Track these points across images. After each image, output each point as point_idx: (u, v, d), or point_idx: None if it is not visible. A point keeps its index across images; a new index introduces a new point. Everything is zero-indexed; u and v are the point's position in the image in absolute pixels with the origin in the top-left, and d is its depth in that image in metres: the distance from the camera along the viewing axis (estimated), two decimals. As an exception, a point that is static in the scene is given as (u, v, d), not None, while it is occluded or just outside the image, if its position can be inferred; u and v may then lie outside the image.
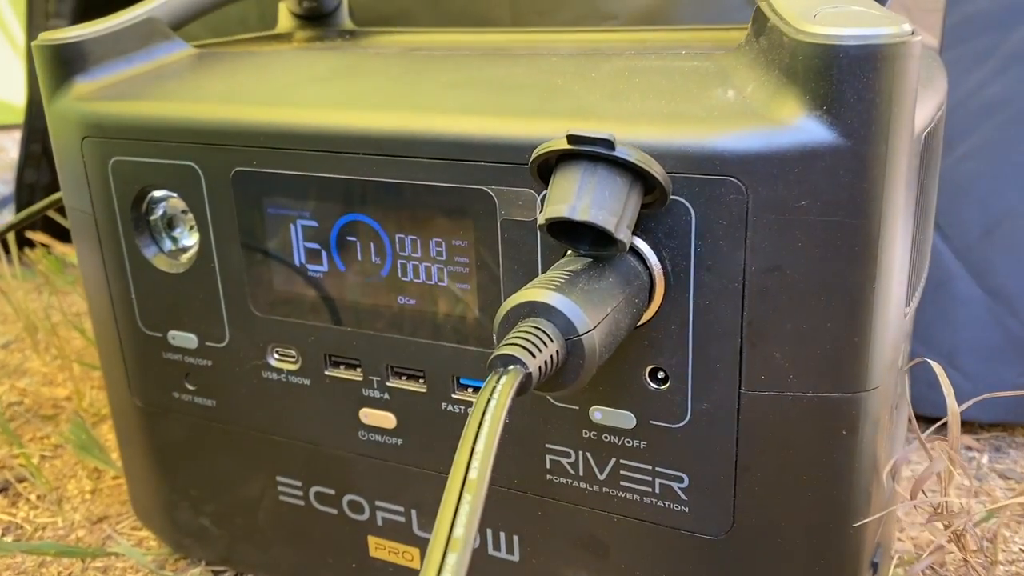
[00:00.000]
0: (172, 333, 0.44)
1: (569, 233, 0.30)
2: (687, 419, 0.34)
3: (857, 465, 0.34)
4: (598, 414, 0.35)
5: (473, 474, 0.22)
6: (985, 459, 0.61)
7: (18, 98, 1.13)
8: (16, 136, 1.18)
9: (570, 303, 0.27)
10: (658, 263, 0.32)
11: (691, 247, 0.32)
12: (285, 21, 0.59)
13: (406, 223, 0.37)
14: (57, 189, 0.55)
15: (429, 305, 0.37)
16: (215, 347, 0.43)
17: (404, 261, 0.37)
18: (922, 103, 0.34)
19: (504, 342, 0.26)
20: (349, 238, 0.38)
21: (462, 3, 0.66)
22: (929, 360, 0.37)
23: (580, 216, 0.28)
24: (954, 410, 0.36)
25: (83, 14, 0.92)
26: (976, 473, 0.59)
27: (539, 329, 0.27)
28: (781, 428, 0.33)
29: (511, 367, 0.25)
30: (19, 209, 1.05)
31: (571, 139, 0.28)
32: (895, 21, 0.29)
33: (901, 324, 0.34)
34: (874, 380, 0.32)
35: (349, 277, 0.39)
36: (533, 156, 0.29)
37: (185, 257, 0.43)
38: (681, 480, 0.35)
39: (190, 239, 0.43)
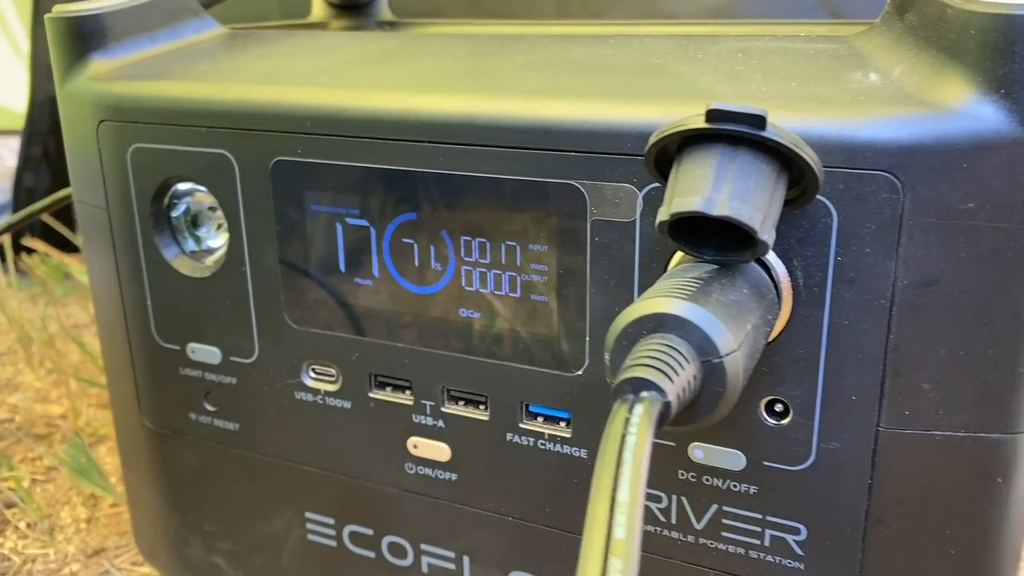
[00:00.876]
0: (192, 346, 0.39)
1: (692, 234, 0.25)
2: (810, 461, 0.29)
3: (1009, 519, 0.28)
4: (699, 452, 0.30)
5: (620, 532, 0.17)
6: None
7: (19, 104, 1.08)
8: (14, 144, 1.13)
9: (710, 316, 0.22)
10: (786, 274, 0.27)
11: (830, 255, 0.27)
12: (319, 10, 0.55)
13: (474, 223, 0.31)
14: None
15: (497, 319, 0.32)
16: (241, 363, 0.38)
17: (469, 268, 0.32)
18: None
19: (632, 362, 0.21)
20: (405, 240, 0.33)
21: (505, 1, 0.61)
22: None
23: (718, 211, 0.23)
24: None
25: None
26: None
27: (671, 347, 0.22)
28: (924, 473, 0.28)
29: (644, 394, 0.20)
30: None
31: (712, 115, 0.23)
32: (1085, -10, 0.25)
33: (1061, 353, 0.29)
34: (1038, 419, 0.27)
35: (403, 285, 0.33)
36: (654, 139, 0.24)
37: (211, 260, 0.38)
38: (797, 532, 0.30)
39: (217, 239, 0.38)
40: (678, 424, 0.23)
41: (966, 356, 0.26)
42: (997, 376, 0.27)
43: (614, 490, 0.18)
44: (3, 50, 1.55)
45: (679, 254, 0.28)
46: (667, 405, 0.20)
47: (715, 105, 0.22)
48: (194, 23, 0.41)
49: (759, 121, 0.22)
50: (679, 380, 0.21)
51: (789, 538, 0.30)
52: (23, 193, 0.97)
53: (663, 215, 0.24)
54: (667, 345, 0.22)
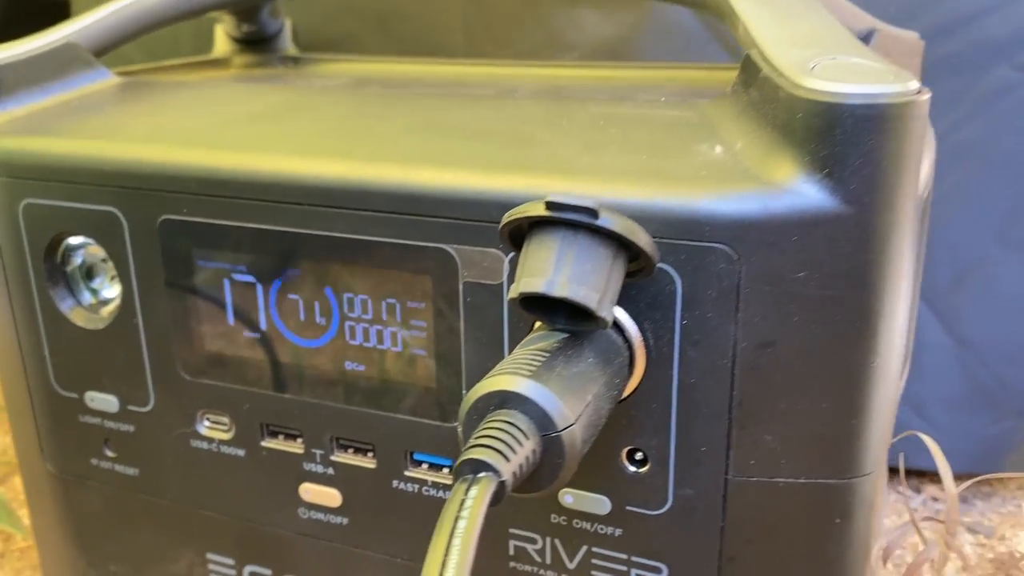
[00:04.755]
0: (90, 394, 0.40)
1: (543, 306, 0.27)
2: (668, 506, 0.31)
3: (850, 554, 0.31)
4: (569, 498, 0.32)
5: (442, 617, 0.18)
6: (952, 511, 0.59)
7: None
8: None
9: (548, 393, 0.24)
10: (639, 335, 0.29)
11: (676, 319, 0.28)
12: (222, 45, 0.55)
13: (356, 281, 0.33)
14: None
15: (380, 372, 0.34)
16: (138, 411, 0.39)
17: (353, 323, 0.34)
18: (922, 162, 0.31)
19: (473, 442, 0.23)
20: (291, 296, 0.34)
21: (413, 29, 0.63)
22: (921, 435, 0.35)
23: (558, 292, 0.24)
24: (952, 492, 0.34)
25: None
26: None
27: (512, 424, 0.23)
28: (770, 516, 0.30)
29: (482, 475, 0.22)
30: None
31: (551, 205, 0.24)
32: (900, 77, 0.27)
33: (896, 398, 0.32)
34: (870, 464, 0.30)
35: (289, 339, 0.35)
36: (504, 220, 0.26)
37: (106, 311, 0.38)
38: (659, 571, 0.32)
39: (111, 290, 0.39)
40: (525, 492, 0.24)
41: (803, 410, 0.29)
42: (832, 427, 0.29)
43: (442, 569, 0.19)
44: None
45: (542, 316, 0.30)
46: (502, 484, 0.22)
47: (552, 198, 0.24)
48: (86, 74, 0.42)
49: (593, 213, 0.24)
50: (516, 458, 0.23)
51: (652, 577, 0.32)
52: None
53: (513, 292, 0.25)
54: (508, 422, 0.23)
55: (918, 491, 0.61)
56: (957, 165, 0.53)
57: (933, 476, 0.61)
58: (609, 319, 0.25)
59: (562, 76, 0.45)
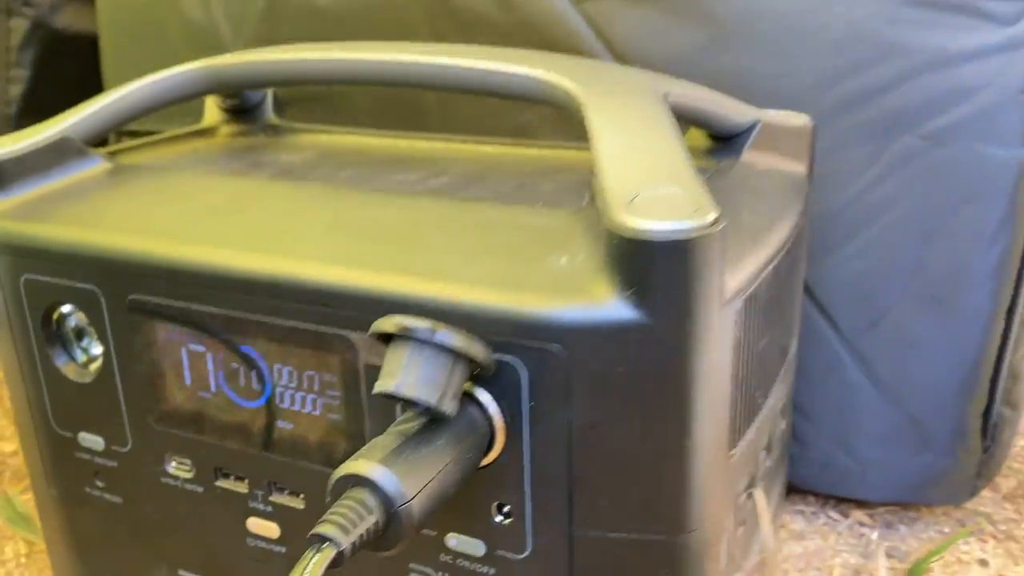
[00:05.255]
0: (82, 435, 0.47)
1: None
2: (528, 552, 0.37)
3: (679, 600, 0.37)
4: (453, 541, 0.38)
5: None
6: (875, 535, 0.64)
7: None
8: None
9: (389, 476, 0.30)
10: (499, 413, 0.35)
11: (524, 402, 0.35)
12: (211, 115, 0.62)
13: (283, 356, 0.40)
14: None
15: (305, 431, 0.40)
16: (119, 451, 0.46)
17: (282, 390, 0.40)
18: (746, 265, 0.37)
19: (324, 517, 0.29)
20: (233, 365, 0.41)
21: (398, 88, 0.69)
22: (754, 490, 0.40)
23: (406, 393, 0.31)
24: (769, 546, 0.39)
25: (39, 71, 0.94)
26: (864, 551, 0.62)
27: (358, 502, 0.30)
28: (609, 565, 0.36)
29: (324, 545, 0.29)
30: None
31: (398, 326, 0.31)
32: (703, 209, 0.32)
33: (726, 467, 0.37)
34: (692, 524, 0.35)
35: (233, 400, 0.42)
36: (370, 331, 0.32)
37: (92, 367, 0.46)
38: (526, 604, 0.38)
39: (98, 348, 0.46)
40: (377, 550, 0.31)
41: (629, 478, 0.35)
42: (654, 493, 0.35)
43: (278, 624, 0.26)
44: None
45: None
46: (341, 553, 0.28)
47: (398, 320, 0.30)
48: (79, 162, 0.49)
49: (430, 332, 0.30)
50: (358, 530, 0.29)
51: (520, 608, 0.38)
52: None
53: (375, 389, 0.32)
54: (355, 500, 0.30)
55: (846, 516, 0.66)
56: (872, 223, 0.58)
57: (860, 503, 0.67)
58: (451, 412, 0.32)
59: (492, 155, 0.51)
